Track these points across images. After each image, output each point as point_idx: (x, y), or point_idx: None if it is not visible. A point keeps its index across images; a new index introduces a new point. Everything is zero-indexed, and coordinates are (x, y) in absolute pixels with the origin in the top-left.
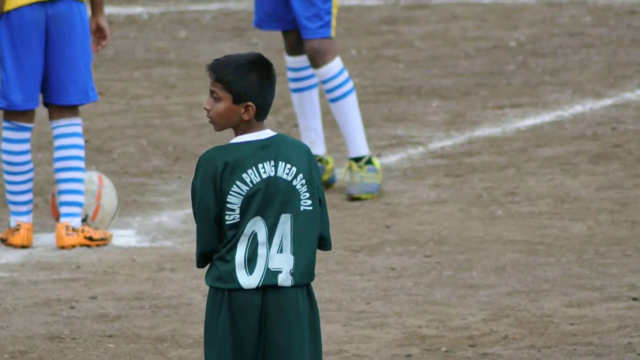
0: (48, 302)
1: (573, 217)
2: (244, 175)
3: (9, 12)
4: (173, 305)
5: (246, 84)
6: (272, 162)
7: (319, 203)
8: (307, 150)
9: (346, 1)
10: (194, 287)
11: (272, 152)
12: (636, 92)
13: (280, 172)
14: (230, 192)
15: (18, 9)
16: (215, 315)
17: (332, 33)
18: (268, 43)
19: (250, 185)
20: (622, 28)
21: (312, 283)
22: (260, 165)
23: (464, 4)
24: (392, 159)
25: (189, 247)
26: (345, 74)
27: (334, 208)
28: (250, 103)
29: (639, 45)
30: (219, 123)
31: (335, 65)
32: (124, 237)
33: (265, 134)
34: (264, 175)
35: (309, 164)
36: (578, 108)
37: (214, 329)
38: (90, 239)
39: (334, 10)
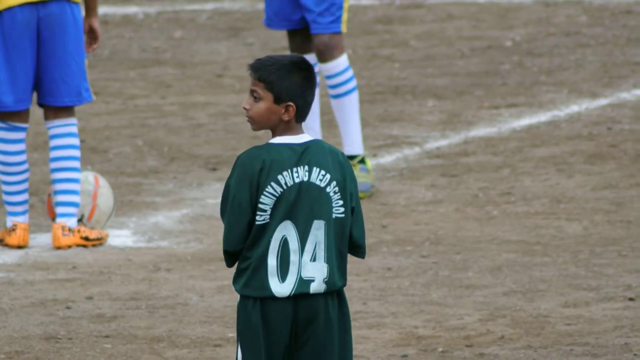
0: (44, 303)
1: (569, 217)
2: (279, 177)
3: (0, 12)
4: (169, 306)
5: (288, 84)
6: (306, 167)
7: (352, 211)
8: (343, 157)
9: None
10: (190, 287)
11: (307, 157)
12: (632, 92)
13: (313, 178)
14: (264, 193)
15: (9, 10)
16: (247, 322)
17: (343, 28)
18: (264, 43)
19: (285, 187)
20: (617, 28)
21: None
22: (295, 169)
23: (459, 3)
24: (388, 159)
25: (185, 247)
26: (351, 72)
27: None
28: (290, 103)
29: (634, 44)
30: (257, 122)
31: (342, 61)
32: (120, 237)
33: (303, 137)
34: (297, 180)
35: (343, 171)
36: (574, 108)
37: (246, 336)
38: (87, 239)
39: (346, 5)
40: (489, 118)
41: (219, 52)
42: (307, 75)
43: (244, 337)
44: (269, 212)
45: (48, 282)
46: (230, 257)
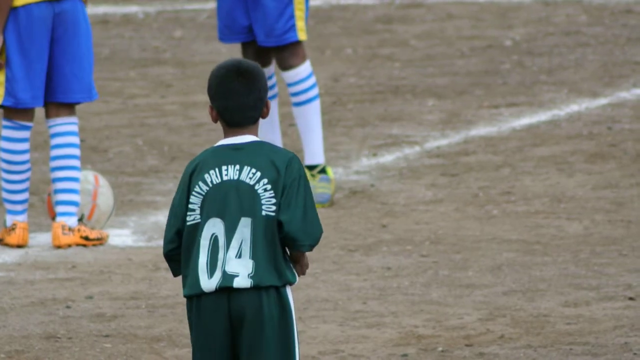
0: (44, 302)
1: (569, 217)
2: (206, 176)
3: (16, 8)
4: (169, 305)
5: (210, 87)
6: (238, 167)
7: (288, 206)
8: (287, 158)
9: (342, 0)
10: None
11: (240, 157)
12: (632, 91)
13: (243, 176)
14: (193, 193)
15: (26, 6)
16: (190, 322)
17: (301, 36)
18: None
19: (210, 185)
20: (617, 27)
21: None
22: (224, 167)
23: (459, 3)
24: (388, 158)
25: None
26: (312, 80)
27: (330, 208)
28: (212, 105)
29: (634, 44)
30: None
31: (303, 69)
32: (120, 237)
33: (242, 139)
34: (226, 178)
35: (280, 170)
36: (574, 107)
37: (193, 335)
38: (87, 238)
39: (298, 13)
40: (489, 117)
41: (219, 52)
42: (227, 80)
43: (192, 337)
44: (197, 212)
45: (48, 281)
46: (169, 262)
